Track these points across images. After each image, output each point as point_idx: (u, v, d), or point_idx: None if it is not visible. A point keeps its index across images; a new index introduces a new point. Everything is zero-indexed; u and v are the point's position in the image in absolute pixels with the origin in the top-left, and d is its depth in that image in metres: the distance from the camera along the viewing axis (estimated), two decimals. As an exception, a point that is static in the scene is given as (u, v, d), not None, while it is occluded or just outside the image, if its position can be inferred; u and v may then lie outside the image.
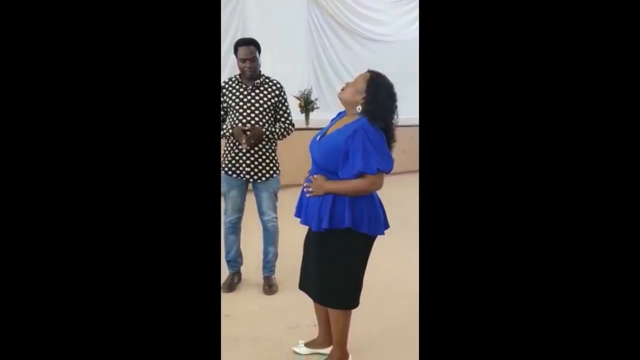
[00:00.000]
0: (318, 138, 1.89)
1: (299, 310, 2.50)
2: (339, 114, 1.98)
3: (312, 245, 1.96)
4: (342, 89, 1.87)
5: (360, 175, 1.74)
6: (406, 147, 5.97)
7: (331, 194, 1.79)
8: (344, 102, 1.85)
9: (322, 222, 1.80)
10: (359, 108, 1.79)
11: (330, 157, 1.79)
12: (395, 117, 1.82)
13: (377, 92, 1.77)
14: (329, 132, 1.88)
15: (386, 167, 1.75)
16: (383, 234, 1.88)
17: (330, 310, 1.96)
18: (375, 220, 1.83)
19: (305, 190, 1.88)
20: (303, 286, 2.05)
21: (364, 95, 1.78)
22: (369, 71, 1.84)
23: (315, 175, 1.84)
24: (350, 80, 1.88)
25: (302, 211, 1.91)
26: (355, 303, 1.93)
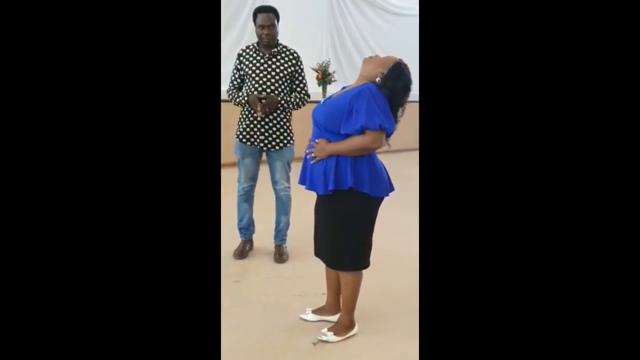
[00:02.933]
0: (322, 101, 1.92)
1: (308, 279, 2.54)
2: (344, 87, 2.00)
3: (320, 210, 1.99)
4: (370, 57, 1.90)
5: (362, 132, 1.76)
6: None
7: (334, 155, 1.81)
8: (365, 68, 1.87)
9: (328, 185, 1.82)
10: (378, 80, 1.81)
11: (334, 116, 1.81)
12: (402, 109, 1.86)
13: (398, 78, 1.81)
14: (334, 95, 1.91)
15: (389, 125, 1.77)
16: (386, 195, 1.91)
17: (341, 275, 1.99)
18: (376, 182, 1.85)
19: (307, 156, 1.90)
20: (317, 253, 2.08)
21: (385, 72, 1.81)
22: (400, 59, 1.88)
23: (317, 140, 1.86)
24: (380, 54, 1.92)
25: (306, 178, 1.93)
26: (366, 263, 1.96)
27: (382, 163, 1.92)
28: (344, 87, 1.98)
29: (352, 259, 1.93)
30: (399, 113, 1.87)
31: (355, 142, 1.78)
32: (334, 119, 1.81)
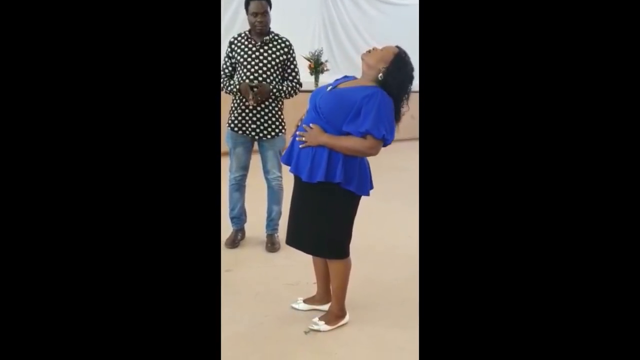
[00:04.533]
0: (328, 89, 1.86)
1: (300, 268, 2.54)
2: (346, 77, 1.97)
3: (299, 197, 1.96)
4: (369, 51, 1.85)
5: (363, 136, 1.74)
6: (416, 114, 5.89)
7: (325, 147, 1.78)
8: (367, 64, 1.83)
9: (316, 174, 1.79)
10: (381, 76, 1.79)
11: (340, 111, 1.77)
12: (406, 99, 1.84)
13: (401, 69, 1.79)
14: (341, 86, 1.86)
15: (390, 137, 1.76)
16: (368, 194, 1.90)
17: (330, 264, 1.99)
18: (363, 181, 1.85)
19: (298, 139, 1.86)
20: (291, 242, 2.03)
21: (388, 65, 1.78)
22: (398, 47, 1.85)
23: (311, 125, 1.82)
24: (377, 46, 1.88)
25: (292, 160, 1.89)
26: (345, 252, 1.96)
27: (367, 160, 1.92)
28: (345, 77, 1.95)
29: (330, 247, 1.93)
30: (404, 106, 1.84)
31: (353, 143, 1.75)
32: (340, 113, 1.77)
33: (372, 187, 1.94)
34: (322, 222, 1.88)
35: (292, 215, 2.02)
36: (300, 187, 1.93)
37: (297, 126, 1.90)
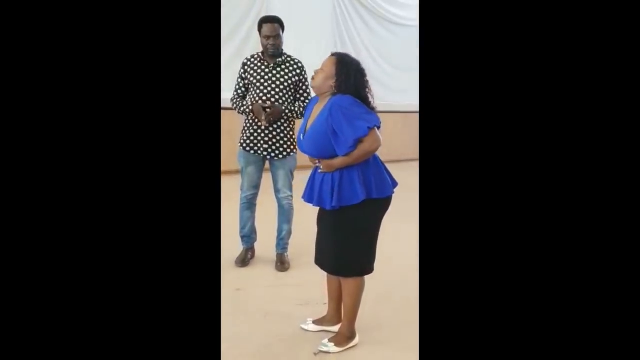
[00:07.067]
0: (302, 136, 1.93)
1: (310, 288, 2.53)
2: (311, 101, 2.03)
3: (325, 219, 1.99)
4: (313, 77, 1.91)
5: (357, 142, 1.77)
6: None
7: (342, 167, 1.81)
8: (317, 89, 1.90)
9: (333, 201, 1.84)
10: (334, 91, 1.83)
11: (321, 146, 1.83)
12: (369, 90, 1.85)
13: (348, 71, 1.81)
14: (308, 125, 1.92)
15: (374, 122, 1.78)
16: (392, 193, 1.91)
17: (344, 283, 1.99)
18: (381, 183, 1.86)
19: (319, 171, 1.90)
20: (318, 261, 2.07)
21: (335, 78, 1.82)
22: (334, 54, 1.90)
23: (320, 160, 1.88)
24: (319, 67, 1.91)
25: (314, 194, 1.93)
26: (370, 268, 1.97)
27: (380, 159, 1.93)
28: (308, 110, 1.99)
29: (357, 264, 1.93)
30: (369, 97, 1.85)
31: (359, 152, 1.79)
32: (323, 148, 1.83)
33: (396, 184, 1.95)
34: (349, 243, 1.89)
35: (318, 240, 2.06)
36: (322, 212, 1.99)
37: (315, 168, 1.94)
